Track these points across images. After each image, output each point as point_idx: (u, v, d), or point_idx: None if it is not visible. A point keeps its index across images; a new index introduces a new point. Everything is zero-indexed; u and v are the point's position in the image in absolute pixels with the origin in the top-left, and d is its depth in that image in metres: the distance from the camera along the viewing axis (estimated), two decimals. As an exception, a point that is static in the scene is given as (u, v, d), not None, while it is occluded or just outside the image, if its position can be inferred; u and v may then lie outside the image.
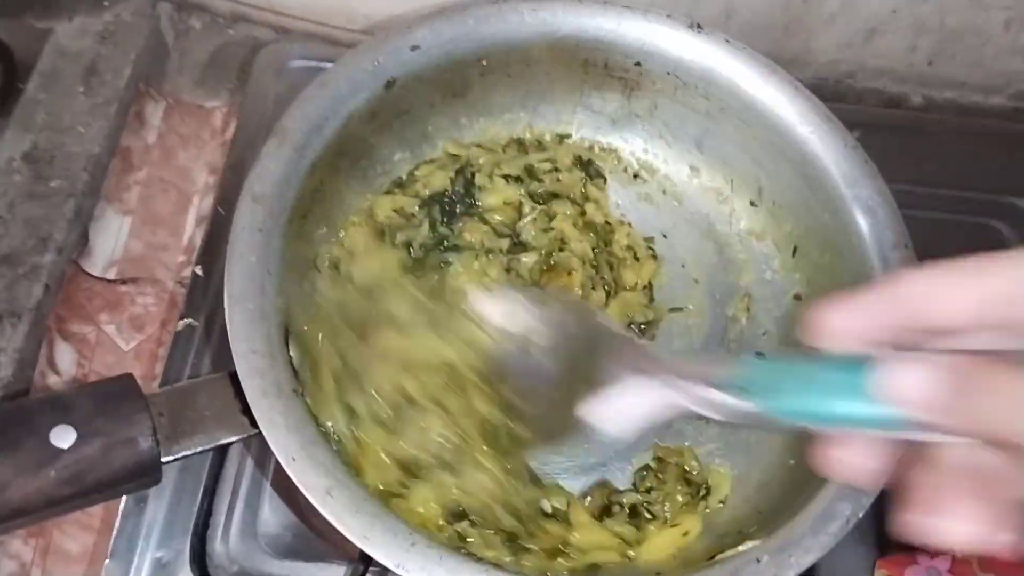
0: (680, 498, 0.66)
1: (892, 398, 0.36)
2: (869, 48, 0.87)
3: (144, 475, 0.53)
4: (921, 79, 0.91)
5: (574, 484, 0.67)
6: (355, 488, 0.55)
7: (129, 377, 0.54)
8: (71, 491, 0.50)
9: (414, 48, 0.67)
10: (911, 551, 0.67)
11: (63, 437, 0.50)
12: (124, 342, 0.77)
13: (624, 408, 0.49)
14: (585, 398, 0.51)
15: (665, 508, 0.66)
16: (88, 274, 0.79)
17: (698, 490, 0.67)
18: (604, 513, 0.66)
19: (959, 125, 0.90)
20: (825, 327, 0.39)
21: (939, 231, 0.68)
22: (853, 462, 0.39)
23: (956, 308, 0.37)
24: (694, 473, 0.68)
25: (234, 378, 0.57)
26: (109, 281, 0.79)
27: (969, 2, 0.84)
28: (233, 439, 0.56)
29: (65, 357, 0.76)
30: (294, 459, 0.55)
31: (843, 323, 0.39)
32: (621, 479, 0.68)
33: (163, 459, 0.53)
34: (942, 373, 0.35)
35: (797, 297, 0.72)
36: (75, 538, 0.70)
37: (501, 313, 0.59)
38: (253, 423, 0.56)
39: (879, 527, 0.68)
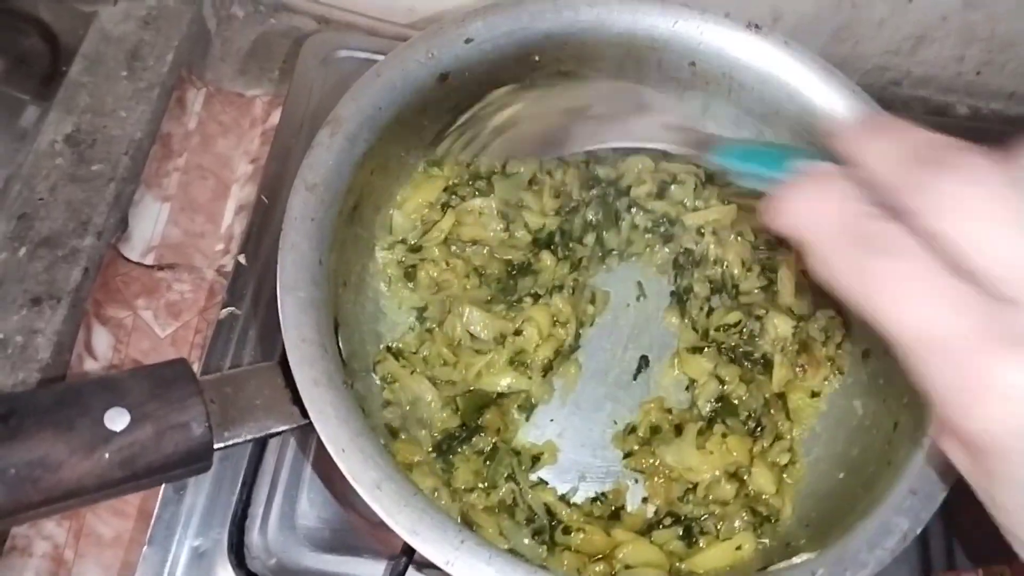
0: (739, 523, 0.65)
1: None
2: (917, 55, 0.86)
3: (196, 461, 0.52)
4: (968, 89, 0.90)
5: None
6: (404, 482, 0.55)
7: (183, 362, 0.53)
8: (123, 474, 0.49)
9: (468, 41, 0.67)
10: (958, 570, 0.67)
11: (117, 419, 0.49)
12: (160, 328, 0.77)
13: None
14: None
15: (719, 527, 0.65)
16: (126, 259, 0.79)
17: (763, 520, 0.66)
18: (652, 526, 0.66)
19: (1005, 135, 0.89)
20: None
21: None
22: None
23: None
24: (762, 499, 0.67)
25: (284, 367, 0.56)
26: (147, 267, 0.79)
27: (1021, 11, 0.82)
28: (283, 428, 0.55)
29: (102, 341, 0.76)
30: (344, 450, 0.54)
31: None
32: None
33: (215, 446, 0.52)
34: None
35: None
36: (108, 523, 0.70)
37: None
38: (303, 413, 0.55)
39: (924, 545, 0.68)
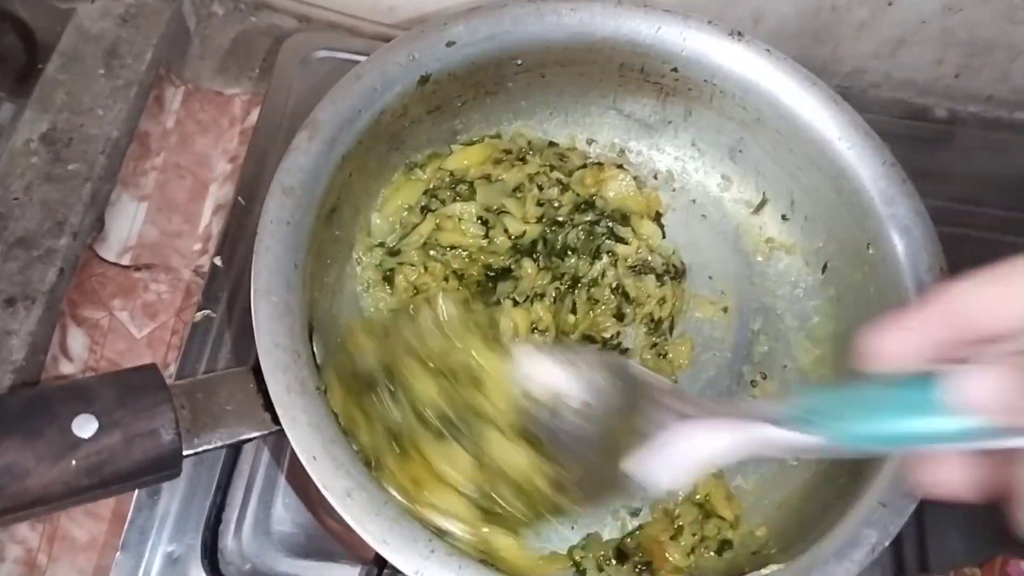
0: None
1: (967, 407, 0.36)
2: (896, 59, 0.87)
3: (165, 468, 0.52)
4: (947, 92, 0.90)
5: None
6: (375, 491, 0.55)
7: (152, 368, 0.53)
8: (91, 481, 0.49)
9: (450, 44, 0.67)
10: (930, 573, 0.67)
11: (85, 427, 0.49)
12: (137, 329, 0.76)
13: (674, 457, 0.47)
14: (628, 453, 0.49)
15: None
16: (102, 259, 0.78)
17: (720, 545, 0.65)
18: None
19: (984, 139, 0.89)
20: (877, 350, 0.39)
21: (961, 246, 0.67)
22: (950, 479, 0.40)
23: (1002, 314, 0.37)
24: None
25: (256, 372, 0.56)
26: (123, 267, 0.78)
27: (1001, 15, 0.83)
28: (254, 435, 0.55)
29: (77, 342, 0.75)
30: (315, 458, 0.54)
31: (895, 344, 0.39)
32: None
33: (184, 452, 0.52)
34: (1012, 374, 0.35)
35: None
36: (82, 526, 0.69)
37: (535, 374, 0.57)
38: (275, 419, 0.55)
39: (898, 548, 0.68)
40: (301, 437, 0.54)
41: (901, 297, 0.65)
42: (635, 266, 0.72)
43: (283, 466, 0.67)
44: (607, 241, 0.71)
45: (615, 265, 0.71)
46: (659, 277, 0.72)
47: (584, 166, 0.74)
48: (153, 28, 0.83)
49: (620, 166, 0.75)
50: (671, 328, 0.72)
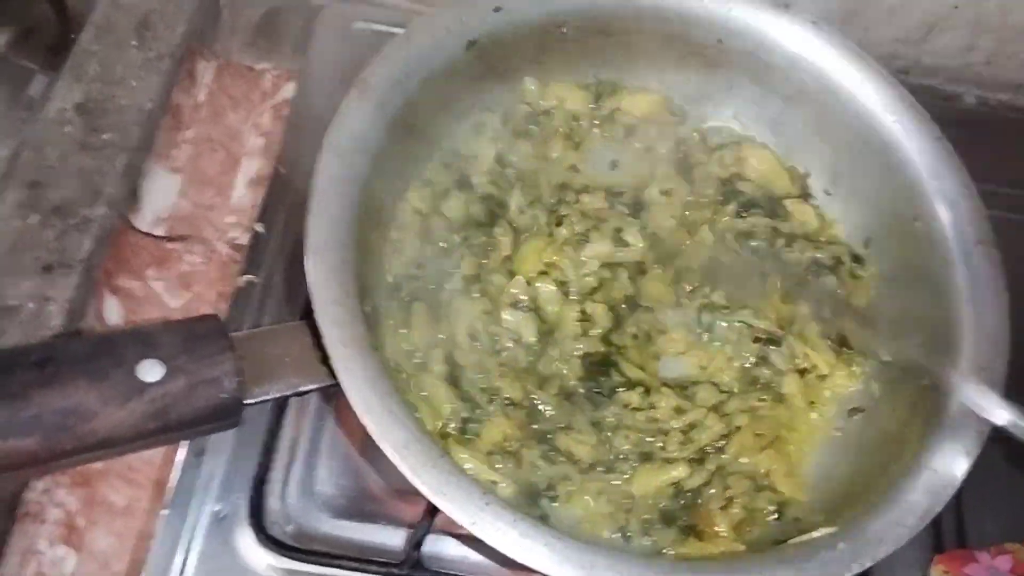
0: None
1: None
2: (926, 44, 0.87)
3: (226, 416, 0.51)
4: (976, 79, 0.90)
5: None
6: (430, 444, 0.55)
7: (215, 318, 0.53)
8: (155, 425, 0.49)
9: (497, 9, 0.67)
10: (970, 548, 0.67)
11: (150, 371, 0.49)
12: (171, 299, 0.76)
13: None
14: None
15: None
16: (137, 230, 0.78)
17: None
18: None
19: (1016, 124, 0.90)
20: None
21: (995, 229, 0.68)
22: None
23: None
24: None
25: (311, 326, 0.56)
26: (157, 238, 0.78)
27: (1034, 1, 0.83)
28: (312, 387, 0.55)
29: (112, 311, 0.75)
30: (372, 411, 0.54)
31: None
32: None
33: (245, 402, 0.52)
34: None
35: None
36: (120, 492, 0.69)
37: None
38: (331, 373, 0.55)
39: (936, 523, 0.68)
40: (358, 390, 0.54)
41: (948, 271, 0.65)
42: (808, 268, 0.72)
43: (327, 428, 0.67)
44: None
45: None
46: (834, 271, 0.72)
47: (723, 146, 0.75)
48: (184, 1, 0.83)
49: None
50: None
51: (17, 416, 0.46)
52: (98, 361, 0.48)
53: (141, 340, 0.50)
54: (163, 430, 0.49)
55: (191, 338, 0.51)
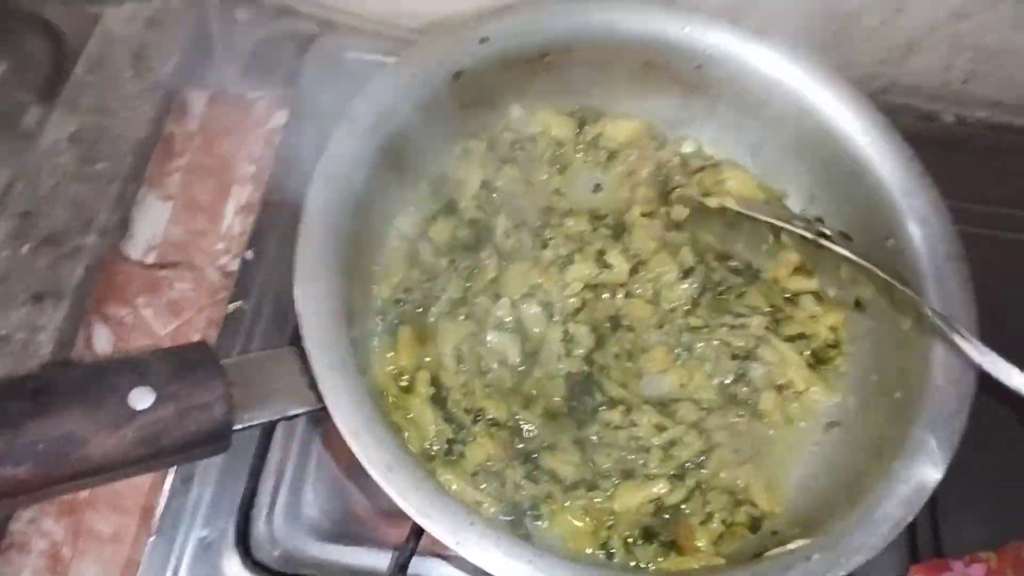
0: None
1: None
2: (906, 64, 0.88)
3: (216, 441, 0.53)
4: (955, 97, 0.92)
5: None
6: (415, 466, 0.56)
7: (204, 345, 0.54)
8: (147, 451, 0.50)
9: (483, 40, 0.69)
10: (945, 557, 0.68)
11: (141, 399, 0.50)
12: (161, 326, 0.77)
13: None
14: None
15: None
16: (127, 258, 0.79)
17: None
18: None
19: (993, 142, 0.91)
20: None
21: (975, 246, 0.70)
22: None
23: None
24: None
25: (300, 352, 0.57)
26: (148, 265, 0.80)
27: (1009, 22, 0.84)
28: (300, 411, 0.56)
29: (102, 339, 0.76)
30: (358, 434, 0.55)
31: None
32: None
33: (235, 426, 0.53)
34: None
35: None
36: (107, 520, 0.70)
37: None
38: (319, 397, 0.56)
39: (912, 533, 0.69)
40: (344, 414, 0.55)
41: (920, 287, 0.66)
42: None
43: (314, 452, 0.68)
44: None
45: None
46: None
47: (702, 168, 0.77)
48: (178, 32, 0.85)
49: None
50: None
51: (11, 445, 0.47)
52: (90, 389, 0.50)
53: (133, 368, 0.51)
54: (155, 455, 0.50)
55: (182, 365, 0.52)
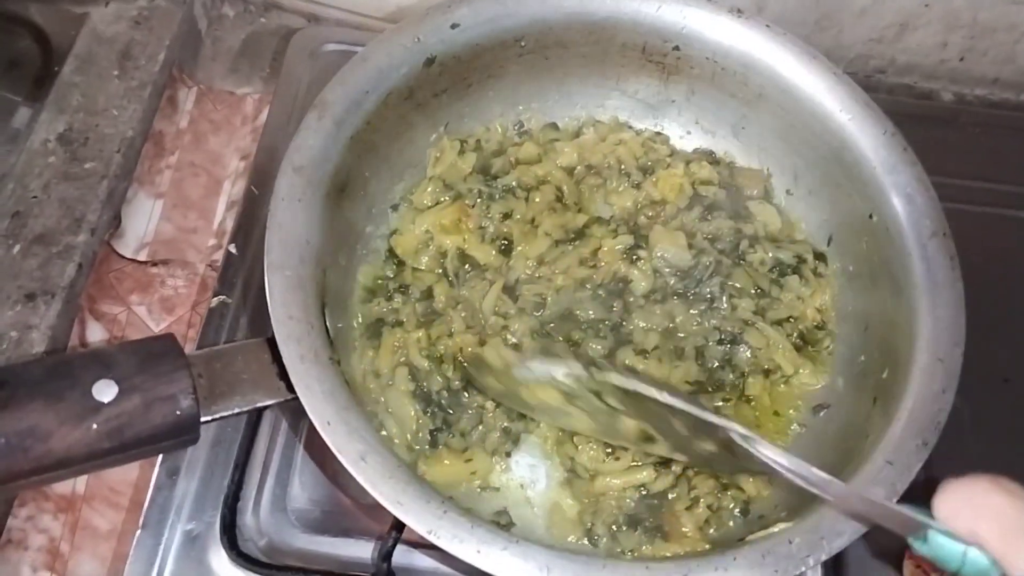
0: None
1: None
2: (900, 43, 0.87)
3: (183, 433, 0.53)
4: (952, 75, 0.91)
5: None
6: (388, 455, 0.55)
7: (170, 337, 0.54)
8: (111, 445, 0.50)
9: (454, 26, 0.68)
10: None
11: (105, 391, 0.50)
12: (154, 323, 0.78)
13: None
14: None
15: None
16: (120, 255, 0.80)
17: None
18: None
19: (989, 118, 0.89)
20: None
21: (970, 222, 0.68)
22: None
23: None
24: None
25: (271, 344, 0.57)
26: (140, 263, 0.80)
27: (1002, -4, 0.83)
28: (269, 402, 0.56)
29: (96, 336, 0.76)
30: (329, 423, 0.55)
31: None
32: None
33: (202, 418, 0.53)
34: None
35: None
36: (104, 515, 0.70)
37: None
38: (290, 388, 0.56)
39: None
40: (315, 404, 0.55)
41: (905, 265, 0.65)
42: (772, 268, 0.72)
43: (300, 444, 0.68)
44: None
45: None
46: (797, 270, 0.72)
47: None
48: (165, 30, 0.85)
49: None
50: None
51: (-28, 440, 0.47)
52: (54, 383, 0.50)
53: (97, 361, 0.51)
54: (120, 449, 0.50)
55: (147, 357, 0.52)
